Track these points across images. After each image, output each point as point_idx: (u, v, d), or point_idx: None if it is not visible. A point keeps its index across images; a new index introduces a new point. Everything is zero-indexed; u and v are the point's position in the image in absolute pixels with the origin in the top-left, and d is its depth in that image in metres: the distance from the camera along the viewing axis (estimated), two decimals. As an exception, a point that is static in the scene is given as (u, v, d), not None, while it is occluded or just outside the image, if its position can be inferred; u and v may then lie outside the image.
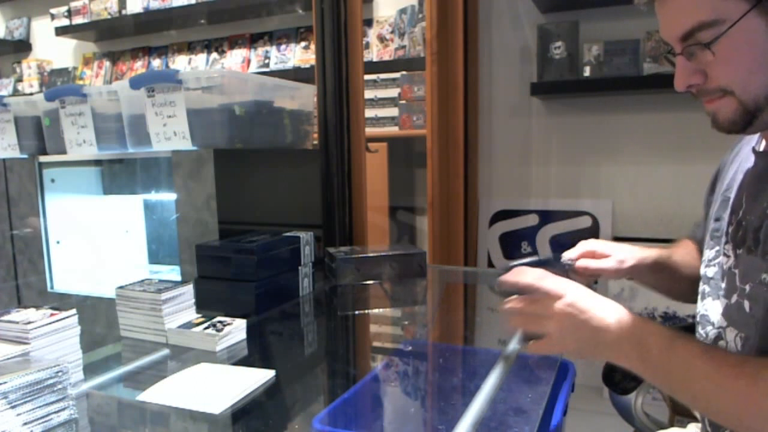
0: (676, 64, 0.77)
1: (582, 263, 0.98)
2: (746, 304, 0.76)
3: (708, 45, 0.71)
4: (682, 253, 1.07)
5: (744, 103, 0.73)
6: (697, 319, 0.89)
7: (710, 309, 0.84)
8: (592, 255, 1.00)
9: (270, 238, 1.37)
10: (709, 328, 0.84)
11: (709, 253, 0.88)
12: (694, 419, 1.12)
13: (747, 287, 0.77)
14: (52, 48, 3.36)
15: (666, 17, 0.75)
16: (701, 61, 0.74)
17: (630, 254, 1.01)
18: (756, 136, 0.86)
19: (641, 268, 1.00)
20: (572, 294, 0.77)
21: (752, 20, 0.69)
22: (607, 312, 0.75)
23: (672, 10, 0.74)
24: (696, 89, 0.77)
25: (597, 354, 0.77)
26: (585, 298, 0.77)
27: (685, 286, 1.05)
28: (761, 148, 0.83)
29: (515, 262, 0.87)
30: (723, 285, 0.82)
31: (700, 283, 0.89)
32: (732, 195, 0.86)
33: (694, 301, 1.08)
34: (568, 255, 1.00)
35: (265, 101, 1.58)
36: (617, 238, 1.94)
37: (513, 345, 0.83)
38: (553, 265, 0.87)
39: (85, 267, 1.77)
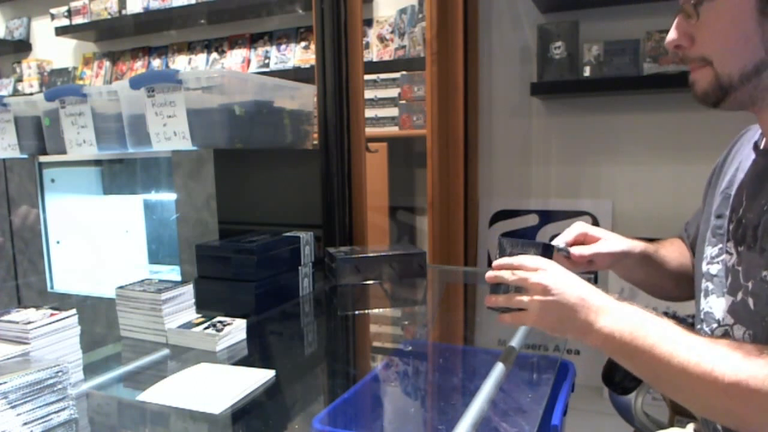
0: (674, 23, 0.80)
1: (577, 250, 0.99)
2: (750, 302, 0.77)
3: (697, 5, 0.74)
4: (669, 248, 1.08)
5: (719, 77, 0.75)
6: (700, 316, 0.89)
7: (714, 306, 0.84)
8: (584, 238, 1.02)
9: (270, 238, 1.37)
10: (714, 325, 0.84)
11: (711, 251, 0.88)
12: (694, 419, 1.12)
13: (750, 284, 0.77)
14: (52, 48, 3.36)
15: None
16: (692, 25, 0.76)
17: (620, 239, 1.02)
18: (758, 134, 0.87)
19: (630, 256, 1.01)
20: (554, 268, 0.82)
21: None
22: (585, 288, 0.79)
23: None
24: (681, 52, 0.80)
25: (572, 332, 0.80)
26: (565, 273, 0.81)
27: (670, 283, 1.06)
28: (763, 146, 0.84)
29: (509, 240, 0.91)
30: (727, 282, 0.82)
31: (702, 281, 0.88)
32: (733, 192, 0.87)
33: (676, 299, 1.09)
34: (562, 238, 1.01)
35: (265, 101, 1.58)
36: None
37: (513, 344, 0.84)
38: (548, 249, 0.89)
39: (85, 267, 1.77)
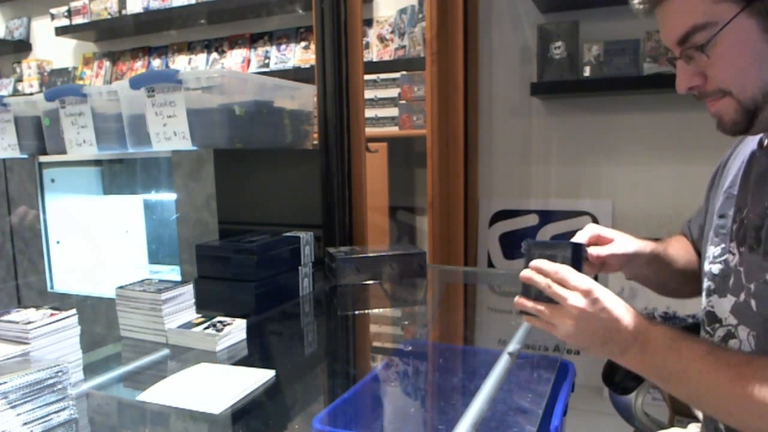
0: (677, 68, 0.79)
1: (593, 251, 0.96)
2: (753, 303, 0.77)
3: (702, 47, 0.74)
4: (676, 246, 1.07)
5: (743, 103, 0.75)
6: (701, 316, 0.89)
7: (717, 306, 0.84)
8: (597, 239, 0.99)
9: (270, 238, 1.37)
10: (717, 324, 0.84)
11: (714, 250, 0.88)
12: (695, 419, 1.12)
13: (752, 286, 0.77)
14: (52, 48, 3.36)
15: (664, 23, 0.78)
16: (699, 64, 0.76)
17: (631, 240, 1.00)
18: (761, 134, 0.87)
19: (640, 257, 1.00)
20: (596, 290, 0.77)
21: (744, 21, 0.71)
22: (621, 311, 0.76)
23: (668, 16, 0.77)
24: (697, 91, 0.79)
25: (604, 351, 0.77)
26: (605, 295, 0.77)
27: (678, 281, 1.05)
28: (767, 143, 0.84)
29: (537, 243, 0.86)
30: (730, 282, 0.82)
31: (704, 280, 0.88)
32: (736, 192, 0.87)
33: (684, 296, 1.08)
34: (577, 239, 0.97)
35: (265, 101, 1.58)
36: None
37: (514, 345, 0.83)
38: (579, 250, 0.85)
39: (85, 267, 1.77)
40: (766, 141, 0.84)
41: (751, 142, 0.89)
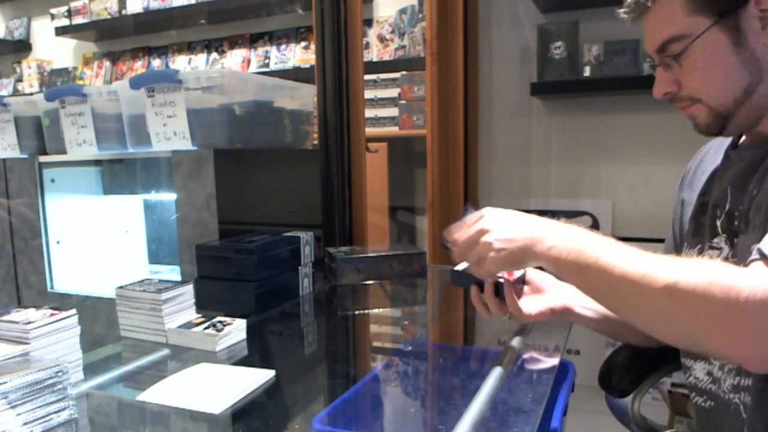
0: (656, 74, 0.86)
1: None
2: None
3: (677, 57, 0.80)
4: None
5: (714, 109, 0.81)
6: None
7: None
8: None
9: (270, 238, 1.37)
10: None
11: (692, 252, 0.90)
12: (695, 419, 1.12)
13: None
14: (52, 48, 3.36)
15: (646, 32, 0.84)
16: (675, 72, 0.82)
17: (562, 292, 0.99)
18: (725, 142, 0.93)
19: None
20: (486, 210, 0.86)
21: (715, 35, 0.77)
22: (526, 223, 0.83)
23: (649, 26, 0.83)
24: (671, 96, 0.85)
25: (527, 262, 0.82)
26: (503, 214, 0.85)
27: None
28: (742, 142, 0.90)
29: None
30: None
31: None
32: (714, 196, 0.89)
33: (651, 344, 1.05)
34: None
35: (265, 101, 1.58)
36: (617, 238, 1.94)
37: (513, 344, 0.84)
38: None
39: (85, 267, 1.77)
40: (739, 141, 0.89)
41: (717, 150, 0.95)
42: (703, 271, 0.63)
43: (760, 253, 0.64)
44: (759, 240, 0.67)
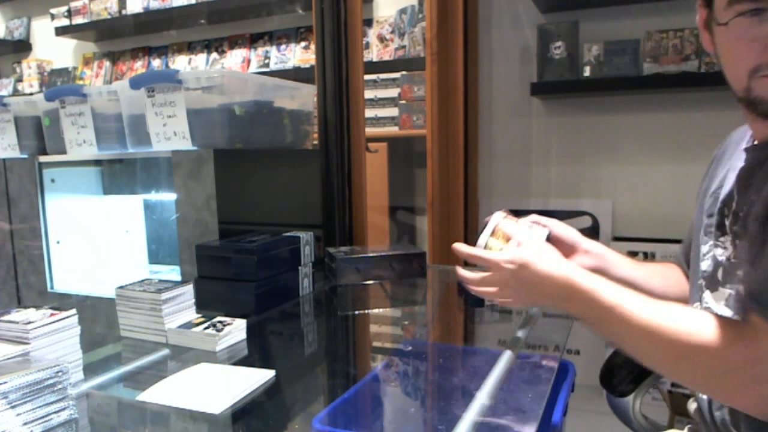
0: None
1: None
2: (741, 288, 0.77)
3: None
4: (651, 272, 1.07)
5: None
6: None
7: (710, 301, 0.85)
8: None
9: (270, 238, 1.37)
10: None
11: (703, 248, 0.89)
12: (695, 420, 1.12)
13: (740, 273, 0.78)
14: (52, 48, 3.35)
15: None
16: None
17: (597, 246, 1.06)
18: (747, 135, 0.89)
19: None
20: (519, 256, 0.89)
21: None
22: (546, 266, 0.86)
23: None
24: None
25: (543, 304, 0.90)
26: (530, 257, 0.88)
27: None
28: (748, 143, 0.87)
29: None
30: (719, 276, 0.83)
31: (699, 279, 0.89)
32: (724, 192, 0.88)
33: None
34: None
35: (265, 101, 1.58)
36: (617, 238, 1.94)
37: (514, 343, 0.84)
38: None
39: (85, 267, 1.77)
40: (754, 141, 0.86)
41: (735, 144, 0.92)
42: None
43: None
44: (747, 253, 0.71)
